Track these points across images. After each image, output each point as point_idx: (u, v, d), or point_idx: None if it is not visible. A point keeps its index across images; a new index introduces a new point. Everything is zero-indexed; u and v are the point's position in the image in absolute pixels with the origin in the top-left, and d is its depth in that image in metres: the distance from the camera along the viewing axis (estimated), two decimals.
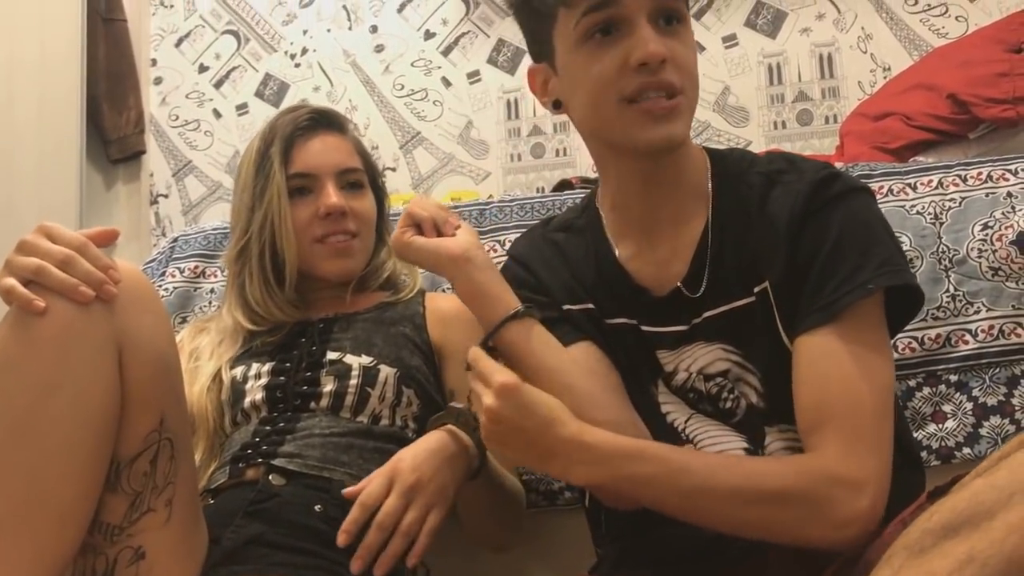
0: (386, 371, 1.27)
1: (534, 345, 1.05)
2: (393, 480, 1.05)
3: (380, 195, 1.44)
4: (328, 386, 1.25)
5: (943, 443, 1.34)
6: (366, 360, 1.27)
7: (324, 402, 1.24)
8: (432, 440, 1.09)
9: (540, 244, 1.18)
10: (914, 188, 1.47)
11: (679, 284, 1.05)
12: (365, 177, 1.40)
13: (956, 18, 2.55)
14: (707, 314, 1.04)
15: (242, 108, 3.00)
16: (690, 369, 1.06)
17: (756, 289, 1.01)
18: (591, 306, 1.11)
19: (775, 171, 1.04)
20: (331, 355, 1.28)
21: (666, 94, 0.98)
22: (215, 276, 1.64)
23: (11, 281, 0.92)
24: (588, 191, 1.20)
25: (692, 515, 0.92)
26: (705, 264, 1.04)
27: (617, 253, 1.10)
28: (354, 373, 1.25)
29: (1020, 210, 1.40)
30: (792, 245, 0.98)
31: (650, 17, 0.98)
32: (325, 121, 1.39)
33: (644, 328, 1.07)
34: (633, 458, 0.92)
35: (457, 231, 1.12)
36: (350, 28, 2.97)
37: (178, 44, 3.07)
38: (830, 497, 0.88)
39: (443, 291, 1.53)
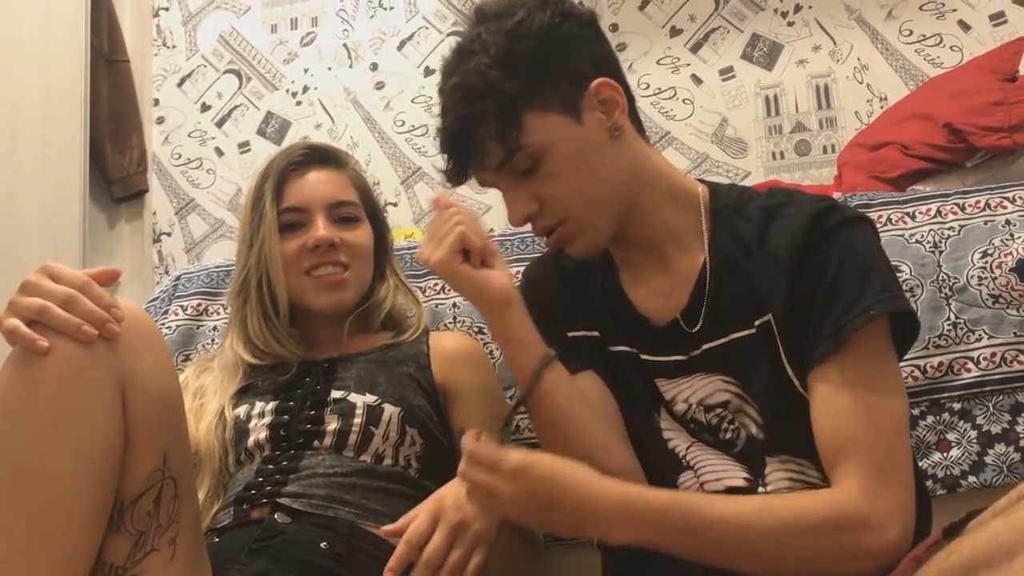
0: (390, 410, 1.26)
1: (566, 394, 1.06)
2: (438, 518, 1.04)
3: (380, 229, 1.45)
4: (332, 424, 1.24)
5: (948, 472, 1.33)
6: (370, 399, 1.27)
7: (328, 440, 1.24)
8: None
9: (551, 269, 1.20)
10: (913, 217, 1.47)
11: (677, 316, 1.06)
12: (361, 210, 1.41)
13: (951, 48, 2.58)
14: (706, 346, 1.05)
15: (244, 146, 3.02)
16: (689, 400, 1.06)
17: (757, 322, 1.02)
18: (596, 334, 1.12)
19: (774, 205, 1.05)
20: (335, 393, 1.28)
21: None
22: (218, 313, 1.64)
23: (14, 321, 0.92)
24: None
25: (731, 560, 0.91)
26: (703, 298, 1.05)
27: (622, 281, 1.12)
28: (358, 412, 1.25)
29: (1019, 237, 1.41)
30: (793, 277, 0.99)
31: None
32: (319, 156, 1.41)
33: (644, 357, 1.09)
34: (667, 512, 0.90)
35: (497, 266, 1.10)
36: (351, 66, 3.00)
37: (180, 84, 3.10)
38: (862, 529, 0.89)
39: (445, 326, 1.53)
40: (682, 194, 1.09)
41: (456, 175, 1.07)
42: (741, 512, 0.91)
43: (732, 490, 1.03)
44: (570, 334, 1.14)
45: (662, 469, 1.08)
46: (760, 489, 1.02)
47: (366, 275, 1.40)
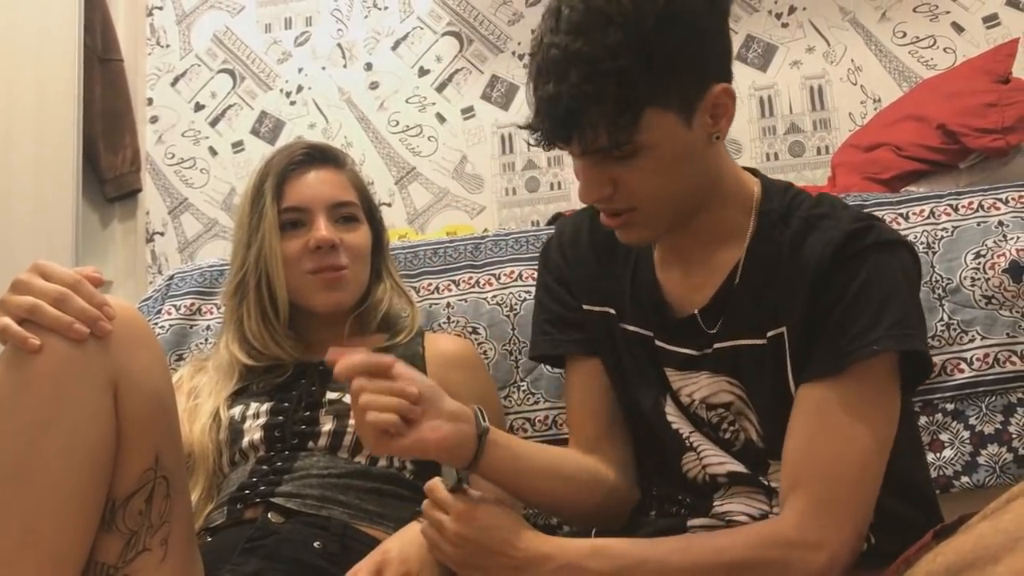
0: None
1: (514, 455, 1.05)
2: (381, 570, 1.03)
3: (377, 229, 1.44)
4: (327, 426, 1.24)
5: (941, 472, 1.33)
6: None
7: (322, 442, 1.23)
8: (419, 528, 1.06)
9: (585, 235, 1.18)
10: (906, 218, 1.48)
11: (696, 312, 1.06)
12: (359, 211, 1.40)
13: (944, 50, 2.58)
14: (717, 345, 1.04)
15: (238, 146, 3.02)
16: (693, 395, 1.07)
17: (770, 333, 1.01)
18: (611, 310, 1.13)
19: (815, 216, 1.03)
20: (330, 395, 1.28)
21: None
22: (211, 313, 1.63)
23: (6, 320, 0.92)
24: None
25: None
26: (726, 299, 1.04)
27: (656, 261, 1.11)
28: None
29: (1012, 238, 1.41)
30: (815, 293, 0.98)
31: None
32: (320, 156, 1.40)
33: (658, 343, 1.09)
34: (592, 557, 0.95)
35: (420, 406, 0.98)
36: (345, 66, 3.00)
37: (174, 83, 3.09)
38: (786, 560, 0.90)
39: (440, 326, 1.53)
40: (739, 193, 1.06)
41: (543, 142, 0.97)
42: (661, 551, 0.94)
43: (734, 475, 1.04)
44: (584, 307, 1.15)
45: (666, 449, 1.09)
46: (762, 479, 1.02)
47: (364, 276, 1.40)
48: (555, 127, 0.95)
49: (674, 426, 1.08)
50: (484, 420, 1.02)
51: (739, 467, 1.03)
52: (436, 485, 1.00)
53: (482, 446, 1.00)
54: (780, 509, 0.96)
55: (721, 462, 1.04)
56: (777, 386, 1.00)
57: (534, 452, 1.10)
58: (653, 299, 1.10)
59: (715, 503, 1.05)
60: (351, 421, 1.24)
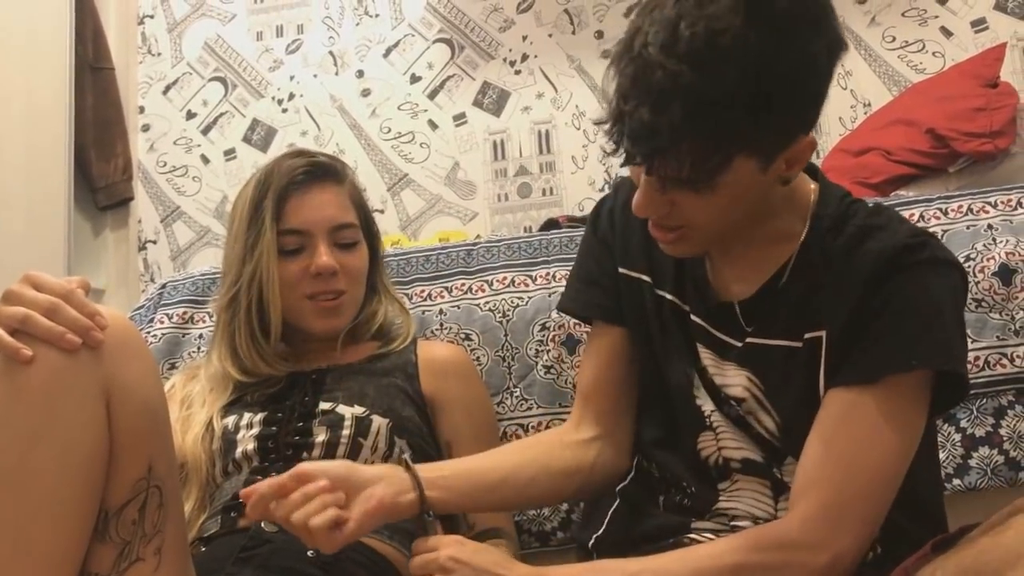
0: (378, 421, 1.26)
1: (467, 473, 1.05)
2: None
3: (374, 243, 1.43)
4: (320, 436, 1.24)
5: None
6: (359, 410, 1.27)
7: (316, 452, 1.23)
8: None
9: None
10: None
11: (736, 303, 1.06)
12: (359, 232, 1.39)
13: (933, 54, 2.60)
14: (750, 340, 1.04)
15: (230, 153, 3.02)
16: (714, 379, 1.07)
17: (807, 335, 1.00)
18: (646, 278, 1.13)
19: (871, 226, 1.01)
20: (323, 405, 1.28)
21: None
22: (204, 321, 1.63)
23: None
24: None
25: None
26: (769, 297, 1.03)
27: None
28: (346, 423, 1.25)
29: (1001, 242, 1.42)
30: (861, 301, 0.97)
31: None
32: (321, 172, 1.37)
33: (693, 317, 1.09)
34: (590, 571, 0.97)
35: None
36: (336, 73, 3.00)
37: (166, 91, 3.09)
38: (785, 562, 0.91)
39: (432, 332, 1.53)
40: (794, 200, 1.05)
41: (621, 157, 0.93)
42: (658, 568, 0.94)
43: (748, 463, 1.04)
44: (620, 270, 1.15)
45: (684, 426, 1.08)
46: (775, 471, 1.02)
47: (360, 296, 1.40)
48: (639, 152, 0.90)
49: (698, 401, 1.07)
50: (410, 464, 1.02)
51: (755, 455, 1.03)
52: (418, 541, 0.99)
53: (421, 486, 1.00)
54: (789, 509, 0.96)
55: (738, 447, 1.04)
56: (805, 388, 0.99)
57: (488, 465, 1.09)
58: (695, 276, 1.09)
59: (720, 497, 1.05)
60: (344, 431, 1.24)
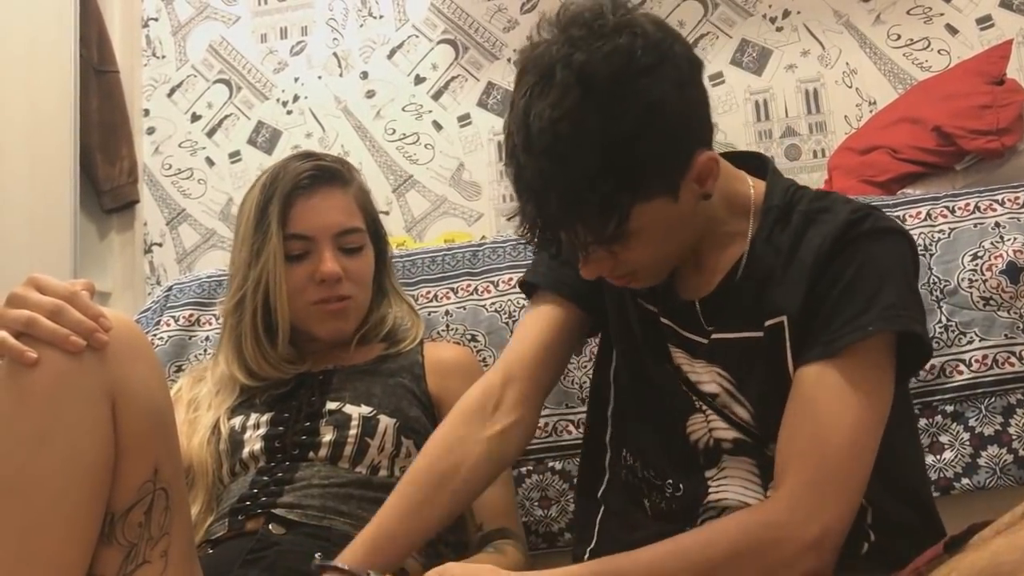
0: (385, 421, 1.26)
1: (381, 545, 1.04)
2: None
3: (381, 246, 1.43)
4: (327, 436, 1.24)
5: (942, 474, 1.33)
6: (365, 410, 1.27)
7: (323, 452, 1.23)
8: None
9: None
10: (903, 221, 1.48)
11: (696, 302, 1.08)
12: (365, 235, 1.38)
13: (939, 52, 2.59)
14: (715, 336, 1.06)
15: (235, 156, 3.02)
16: (687, 377, 1.08)
17: (767, 323, 1.02)
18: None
19: (815, 210, 1.05)
20: (330, 405, 1.28)
21: None
22: (210, 324, 1.63)
23: (2, 333, 0.92)
24: None
25: None
26: (727, 293, 1.06)
27: None
28: (353, 423, 1.25)
29: (1009, 239, 1.41)
30: (814, 282, 0.99)
31: None
32: (327, 176, 1.36)
33: (662, 319, 1.10)
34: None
35: None
36: (341, 75, 3.00)
37: (170, 94, 3.09)
38: (777, 539, 0.91)
39: (439, 333, 1.53)
40: (736, 200, 1.07)
41: (533, 241, 1.00)
42: (651, 559, 0.94)
43: (739, 443, 1.04)
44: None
45: (672, 412, 1.09)
46: (765, 451, 1.02)
47: (366, 300, 1.39)
48: (543, 240, 0.98)
49: (683, 387, 1.08)
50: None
51: (744, 436, 1.04)
52: None
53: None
54: (773, 489, 0.97)
55: (727, 427, 1.05)
56: (774, 375, 1.00)
57: (415, 526, 1.06)
58: (662, 284, 1.11)
59: (710, 488, 1.05)
60: (351, 431, 1.24)
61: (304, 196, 1.33)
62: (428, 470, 1.07)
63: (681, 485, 1.07)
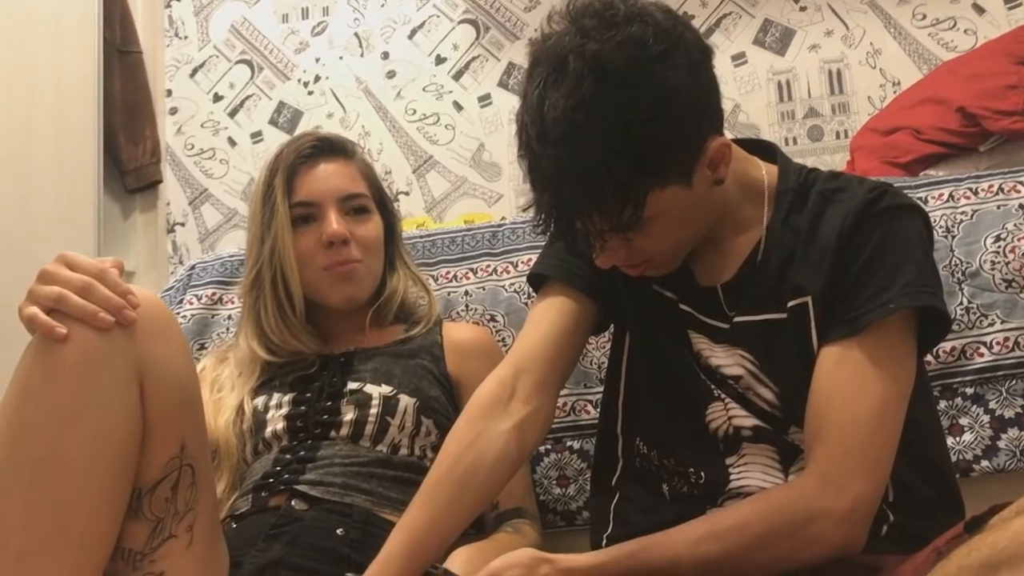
0: (406, 401, 1.27)
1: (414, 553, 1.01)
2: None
3: (390, 219, 1.44)
4: (348, 415, 1.25)
5: (961, 456, 1.33)
6: (386, 390, 1.28)
7: (344, 431, 1.25)
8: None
9: None
10: (925, 202, 1.47)
11: (718, 286, 1.08)
12: (370, 201, 1.40)
13: (965, 31, 2.56)
14: (737, 320, 1.06)
15: (257, 136, 3.03)
16: (711, 362, 1.08)
17: (791, 304, 1.03)
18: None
19: (831, 189, 1.06)
20: (351, 385, 1.29)
21: None
22: (232, 303, 1.65)
23: (33, 309, 0.93)
24: None
25: None
26: (747, 277, 1.06)
27: None
28: (374, 402, 1.26)
29: None
30: (835, 261, 1.01)
31: None
32: (328, 148, 1.39)
33: (681, 306, 1.11)
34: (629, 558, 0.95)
35: None
36: (362, 55, 3.00)
37: (193, 74, 3.11)
38: (809, 516, 0.92)
39: (458, 314, 1.54)
40: (750, 185, 1.08)
41: (548, 231, 1.00)
42: (687, 540, 0.94)
43: (759, 430, 1.04)
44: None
45: (692, 400, 1.09)
46: (784, 436, 1.03)
47: (377, 268, 1.40)
48: (559, 230, 0.99)
49: (703, 376, 1.09)
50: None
51: (763, 423, 1.04)
52: None
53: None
54: (801, 468, 0.98)
55: (747, 415, 1.05)
56: (799, 354, 1.01)
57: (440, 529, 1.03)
58: (679, 267, 1.11)
59: (731, 475, 1.05)
60: (372, 410, 1.26)
61: (307, 166, 1.37)
62: (450, 471, 1.04)
63: (703, 473, 1.07)
